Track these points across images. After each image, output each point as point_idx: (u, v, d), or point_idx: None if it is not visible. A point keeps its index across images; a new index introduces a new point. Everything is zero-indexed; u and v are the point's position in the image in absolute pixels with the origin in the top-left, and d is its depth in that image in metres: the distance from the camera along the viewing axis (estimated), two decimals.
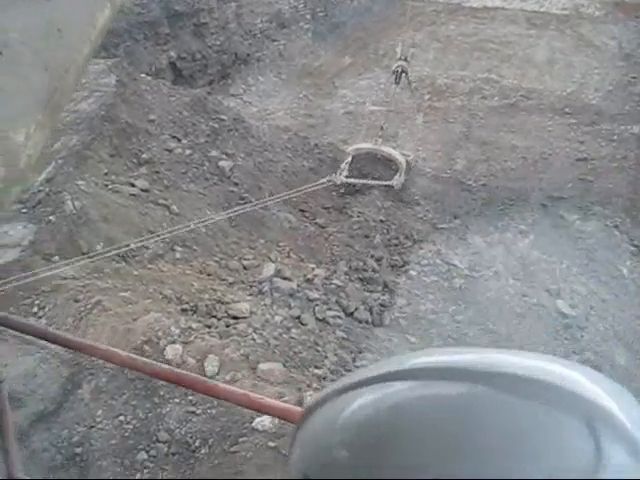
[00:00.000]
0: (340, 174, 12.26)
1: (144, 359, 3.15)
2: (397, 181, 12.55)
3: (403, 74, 13.19)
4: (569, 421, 0.69)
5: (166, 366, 3.18)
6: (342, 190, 12.45)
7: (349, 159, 12.87)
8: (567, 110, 15.61)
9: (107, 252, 7.99)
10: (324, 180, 11.81)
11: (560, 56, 17.50)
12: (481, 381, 0.71)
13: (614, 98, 15.75)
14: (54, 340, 3.21)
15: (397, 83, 13.35)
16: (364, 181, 12.68)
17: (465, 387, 0.70)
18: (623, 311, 10.84)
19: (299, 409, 2.78)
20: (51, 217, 8.40)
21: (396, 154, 13.17)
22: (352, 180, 12.48)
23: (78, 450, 5.63)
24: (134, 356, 3.17)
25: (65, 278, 7.46)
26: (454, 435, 0.67)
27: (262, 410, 2.86)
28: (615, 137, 14.59)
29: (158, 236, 8.89)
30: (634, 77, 16.36)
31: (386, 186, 12.49)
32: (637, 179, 13.69)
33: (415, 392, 0.72)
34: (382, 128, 13.18)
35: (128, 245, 8.43)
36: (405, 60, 13.17)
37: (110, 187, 9.68)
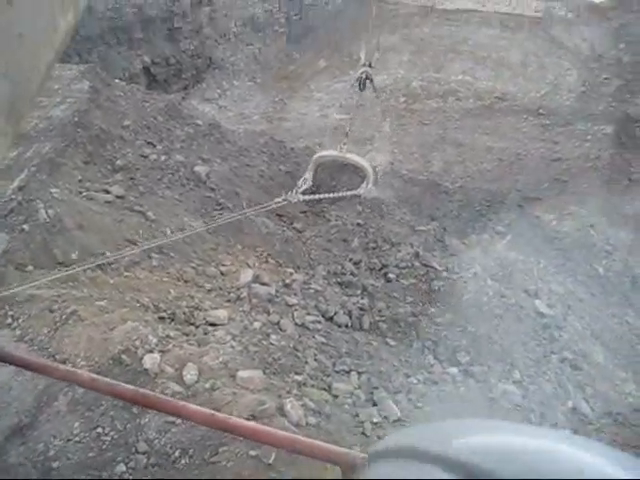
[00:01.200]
0: (296, 192, 11.64)
1: (107, 380, 3.04)
2: (364, 190, 12.15)
3: (367, 80, 12.63)
4: None
5: (130, 387, 3.07)
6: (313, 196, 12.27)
7: (310, 173, 12.31)
8: (541, 111, 15.75)
9: (88, 264, 7.88)
10: (279, 200, 11.21)
11: (533, 58, 17.66)
12: None
13: (587, 99, 15.92)
14: (10, 361, 3.11)
15: (361, 90, 12.74)
16: (324, 196, 12.03)
17: None
18: (600, 310, 10.93)
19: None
20: (24, 226, 8.26)
21: (362, 161, 12.70)
22: (310, 197, 11.82)
23: (55, 464, 5.51)
24: (96, 376, 3.06)
25: (39, 288, 7.32)
26: None
27: (229, 431, 2.80)
28: (589, 137, 14.74)
29: (144, 247, 8.79)
30: (606, 78, 16.55)
31: (353, 196, 12.10)
32: (611, 178, 13.84)
33: None
34: (347, 135, 12.66)
35: (105, 256, 8.32)
36: (369, 66, 12.62)
37: (84, 194, 9.55)
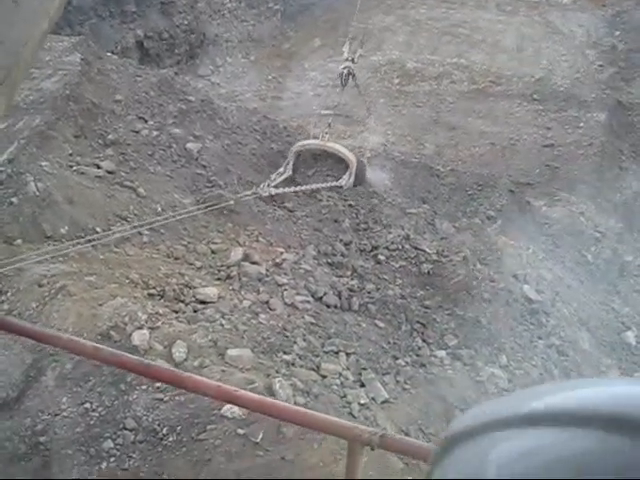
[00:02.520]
0: (268, 184, 11.12)
1: (111, 350, 3.02)
2: (345, 181, 11.77)
3: (350, 76, 12.21)
4: None
5: (134, 357, 3.05)
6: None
7: (289, 163, 11.88)
8: (535, 96, 15.72)
9: (79, 241, 7.83)
10: (248, 193, 10.75)
11: (529, 43, 17.60)
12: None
13: (581, 85, 15.91)
14: (12, 330, 3.09)
15: (344, 86, 12.33)
16: (300, 188, 11.54)
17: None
18: (587, 297, 11.01)
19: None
20: (13, 199, 8.19)
21: (345, 152, 12.18)
22: (283, 190, 11.30)
23: (42, 439, 5.51)
24: (99, 346, 3.04)
25: (25, 260, 7.28)
26: None
27: (233, 402, 2.78)
28: (582, 124, 14.75)
29: (139, 226, 8.75)
30: (601, 65, 16.54)
31: (334, 186, 11.72)
32: (602, 166, 13.88)
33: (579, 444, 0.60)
34: (329, 126, 12.30)
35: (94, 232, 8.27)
36: (352, 61, 12.17)
37: (75, 168, 9.47)
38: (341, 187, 11.74)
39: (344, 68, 12.18)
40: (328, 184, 11.70)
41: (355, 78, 12.33)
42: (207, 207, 9.95)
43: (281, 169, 11.70)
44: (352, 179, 11.88)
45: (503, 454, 0.64)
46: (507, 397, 0.74)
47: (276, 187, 11.27)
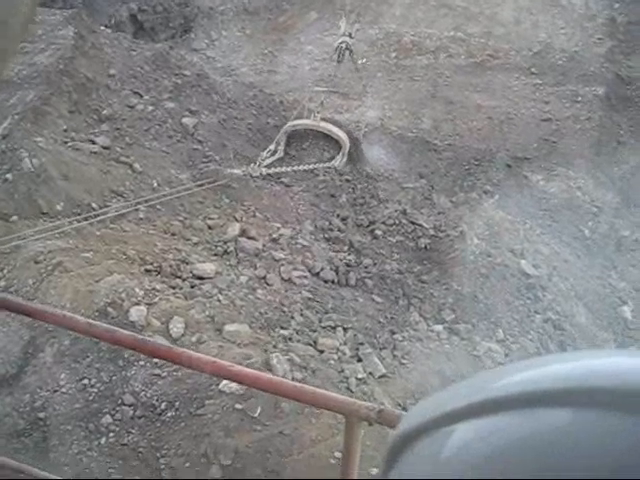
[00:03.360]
0: (259, 164, 10.91)
1: (106, 326, 3.00)
2: (338, 162, 11.57)
3: (347, 51, 11.91)
4: None
5: (128, 333, 3.04)
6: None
7: (280, 143, 11.63)
8: (533, 70, 15.60)
9: (75, 218, 7.79)
10: (239, 172, 10.57)
11: (527, 15, 17.41)
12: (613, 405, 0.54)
13: (580, 59, 15.78)
14: (6, 307, 3.07)
15: (339, 61, 12.02)
16: (292, 168, 11.31)
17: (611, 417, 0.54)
18: (584, 271, 11.02)
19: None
20: (8, 175, 8.14)
21: (338, 131, 11.93)
22: (274, 170, 11.08)
23: (41, 415, 5.53)
24: (94, 322, 3.03)
25: (24, 238, 7.25)
26: None
27: (231, 379, 2.78)
28: (579, 98, 14.65)
29: (139, 202, 8.71)
30: (600, 38, 16.38)
31: (327, 167, 11.52)
32: (600, 141, 13.82)
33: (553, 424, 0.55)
34: (322, 104, 12.03)
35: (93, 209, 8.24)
36: (349, 36, 11.90)
37: (70, 144, 9.40)
38: (334, 169, 11.56)
39: (341, 43, 11.91)
40: (320, 165, 11.53)
41: (352, 53, 12.10)
42: (199, 185, 9.88)
43: (271, 146, 11.45)
44: (345, 159, 11.71)
45: (460, 442, 0.60)
46: (457, 386, 0.69)
47: (267, 167, 11.09)
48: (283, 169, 11.26)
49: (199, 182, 9.92)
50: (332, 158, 11.74)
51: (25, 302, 3.27)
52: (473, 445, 0.59)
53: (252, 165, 10.86)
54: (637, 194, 12.59)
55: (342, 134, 11.94)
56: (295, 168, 11.35)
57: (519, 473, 0.54)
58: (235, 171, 10.53)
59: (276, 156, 11.53)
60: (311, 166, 11.47)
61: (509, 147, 13.45)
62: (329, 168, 11.53)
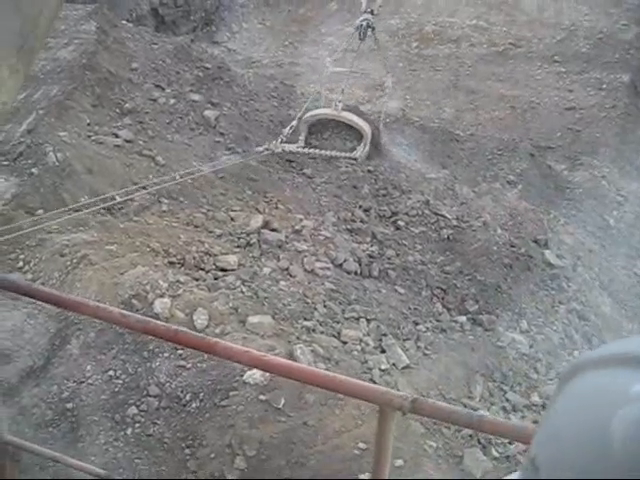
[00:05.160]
0: (282, 140, 11.05)
1: (138, 316, 3.03)
2: (360, 152, 11.46)
3: (369, 29, 11.69)
4: None
5: (160, 323, 3.06)
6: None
7: (303, 132, 11.59)
8: (556, 58, 15.43)
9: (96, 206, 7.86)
10: (261, 149, 10.73)
11: (550, 2, 17.21)
12: None
13: (604, 46, 15.57)
14: (42, 298, 3.11)
15: (362, 39, 11.78)
16: (313, 151, 11.28)
17: None
18: (609, 261, 10.91)
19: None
20: (33, 170, 8.23)
21: (359, 121, 11.79)
22: (295, 148, 11.13)
23: (69, 405, 5.61)
24: (127, 313, 3.05)
25: (50, 232, 7.34)
26: None
27: (258, 367, 2.78)
28: (604, 86, 14.48)
29: (145, 188, 8.75)
30: (625, 24, 16.14)
31: (348, 158, 11.44)
32: (625, 129, 13.65)
33: None
34: (342, 92, 11.86)
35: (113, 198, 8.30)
36: (371, 13, 11.70)
37: (93, 138, 9.48)
38: (355, 159, 11.49)
39: (362, 20, 11.67)
40: (342, 154, 11.48)
41: (374, 31, 11.82)
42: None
43: (285, 130, 11.36)
44: (367, 149, 11.61)
45: (624, 384, 0.64)
46: (629, 339, 0.74)
47: (288, 145, 11.17)
48: (305, 150, 11.30)
49: (223, 164, 9.95)
50: (354, 149, 11.70)
51: (57, 293, 3.30)
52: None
53: (274, 142, 10.98)
54: None
55: (364, 124, 11.79)
56: (316, 152, 11.31)
57: None
58: (258, 148, 10.66)
59: (297, 145, 11.50)
60: (333, 153, 11.41)
61: (532, 136, 13.34)
62: (350, 159, 11.46)
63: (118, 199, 8.46)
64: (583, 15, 16.61)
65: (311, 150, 11.33)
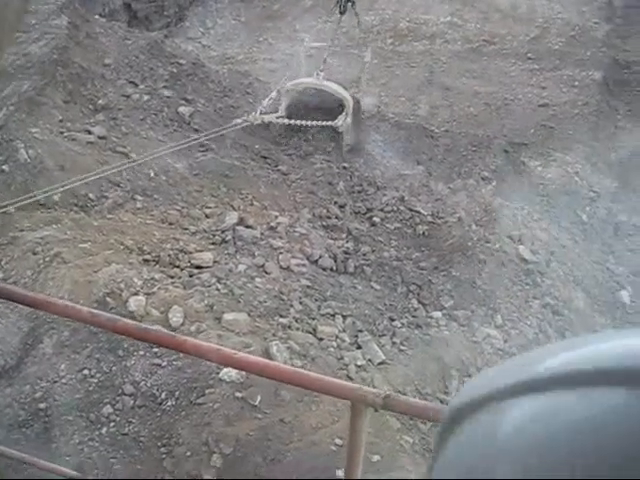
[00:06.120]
0: (260, 112, 10.66)
1: (108, 315, 3.00)
2: (342, 122, 11.17)
3: (349, 3, 11.18)
4: None
5: (130, 321, 3.03)
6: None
7: (284, 102, 11.33)
8: (530, 55, 15.54)
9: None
10: (239, 120, 10.41)
11: (523, 0, 17.32)
12: None
13: (576, 43, 15.71)
14: (10, 297, 3.06)
15: (342, 13, 11.24)
16: (293, 122, 11.02)
17: None
18: (582, 257, 11.03)
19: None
20: (4, 166, 8.11)
21: (341, 91, 11.55)
22: (274, 119, 10.91)
23: (42, 405, 5.54)
24: (96, 312, 3.02)
25: (22, 230, 7.24)
26: None
27: (231, 365, 2.77)
28: (577, 83, 14.61)
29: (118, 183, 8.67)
30: (596, 22, 16.31)
31: (328, 127, 11.16)
32: (597, 126, 13.79)
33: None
34: (324, 61, 11.51)
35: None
36: None
37: (66, 135, 9.36)
38: (337, 128, 11.28)
39: None
40: (322, 123, 11.25)
41: (354, 5, 11.37)
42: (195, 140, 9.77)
43: (265, 101, 10.93)
44: (349, 119, 11.39)
45: (516, 422, 0.58)
46: (510, 362, 0.68)
47: (268, 116, 10.97)
48: (284, 121, 11.09)
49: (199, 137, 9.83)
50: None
51: (27, 292, 3.25)
52: (530, 425, 0.57)
53: (252, 114, 10.72)
54: (635, 179, 12.58)
55: (346, 93, 11.60)
56: (296, 122, 11.08)
57: (579, 454, 0.52)
58: (237, 120, 10.44)
59: (276, 115, 11.25)
60: (313, 123, 11.17)
61: (506, 133, 13.42)
62: (332, 127, 11.22)
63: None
64: (556, 13, 16.73)
65: (291, 121, 11.11)
